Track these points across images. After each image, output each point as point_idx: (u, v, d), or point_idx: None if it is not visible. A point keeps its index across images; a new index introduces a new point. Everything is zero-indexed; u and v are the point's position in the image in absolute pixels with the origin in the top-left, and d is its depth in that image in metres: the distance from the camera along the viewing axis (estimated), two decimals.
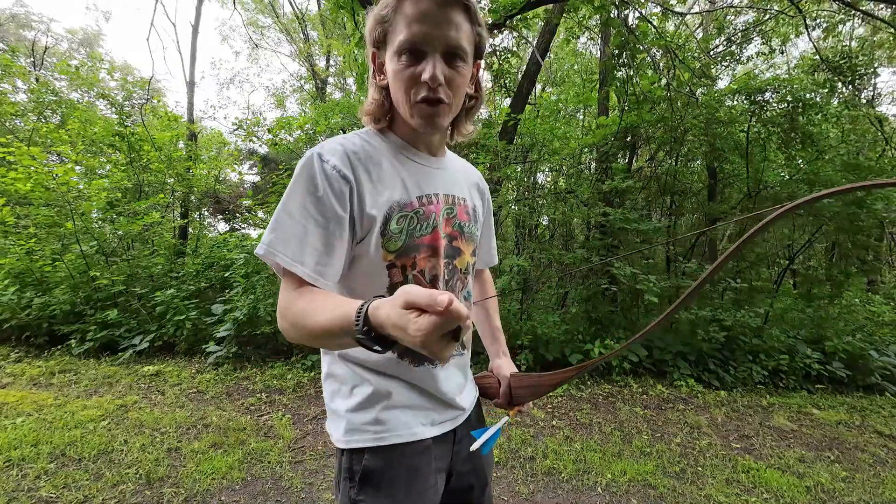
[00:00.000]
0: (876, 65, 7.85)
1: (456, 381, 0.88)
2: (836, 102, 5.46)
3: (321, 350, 0.87)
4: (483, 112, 7.64)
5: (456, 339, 0.46)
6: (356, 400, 0.78)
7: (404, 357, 0.79)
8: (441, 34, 0.68)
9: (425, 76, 0.68)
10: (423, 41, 0.68)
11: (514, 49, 7.10)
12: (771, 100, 5.04)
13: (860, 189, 0.70)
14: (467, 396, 0.92)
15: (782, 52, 6.66)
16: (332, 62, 13.64)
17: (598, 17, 4.34)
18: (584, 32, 5.29)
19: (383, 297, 0.54)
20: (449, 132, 0.86)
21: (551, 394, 3.69)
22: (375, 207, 0.73)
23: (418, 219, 0.77)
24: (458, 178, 0.89)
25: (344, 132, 8.43)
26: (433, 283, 0.79)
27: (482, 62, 0.81)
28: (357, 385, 0.79)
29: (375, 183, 0.74)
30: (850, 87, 5.46)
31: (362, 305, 0.53)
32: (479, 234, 0.94)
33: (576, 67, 9.76)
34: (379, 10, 0.72)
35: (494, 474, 2.45)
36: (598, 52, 7.67)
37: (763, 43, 6.34)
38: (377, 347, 0.52)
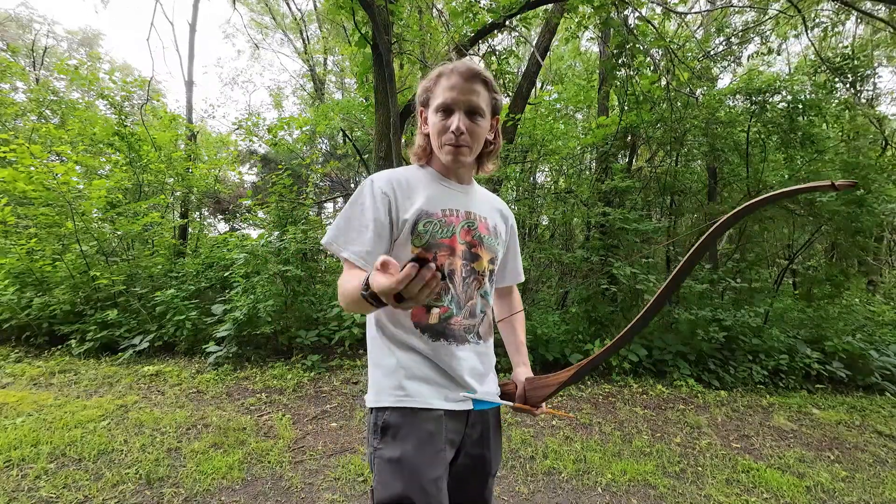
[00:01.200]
0: (875, 64, 7.85)
1: (470, 363, 1.02)
2: (835, 103, 5.45)
3: (367, 330, 1.08)
4: None
5: (398, 301, 0.65)
6: (383, 370, 0.99)
7: (425, 332, 0.98)
8: (465, 99, 0.97)
9: (451, 127, 0.97)
10: (452, 103, 0.97)
11: (514, 49, 7.10)
12: (771, 100, 5.03)
13: (793, 194, 0.80)
14: (486, 385, 1.06)
15: (779, 54, 6.65)
16: (329, 62, 13.63)
17: (598, 17, 4.33)
18: (584, 31, 5.29)
19: None
20: (475, 168, 1.13)
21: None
22: (408, 214, 0.99)
23: (441, 225, 1.01)
24: (482, 202, 1.13)
25: (343, 132, 8.43)
26: (451, 278, 1.01)
27: (499, 117, 1.09)
28: (386, 357, 1.00)
29: (410, 198, 1.01)
30: (852, 87, 5.46)
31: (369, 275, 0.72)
32: (501, 251, 1.15)
33: (577, 66, 9.74)
34: (426, 82, 1.03)
35: None
36: (599, 52, 7.66)
37: (762, 44, 6.35)
38: (373, 302, 0.72)
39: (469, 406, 1.00)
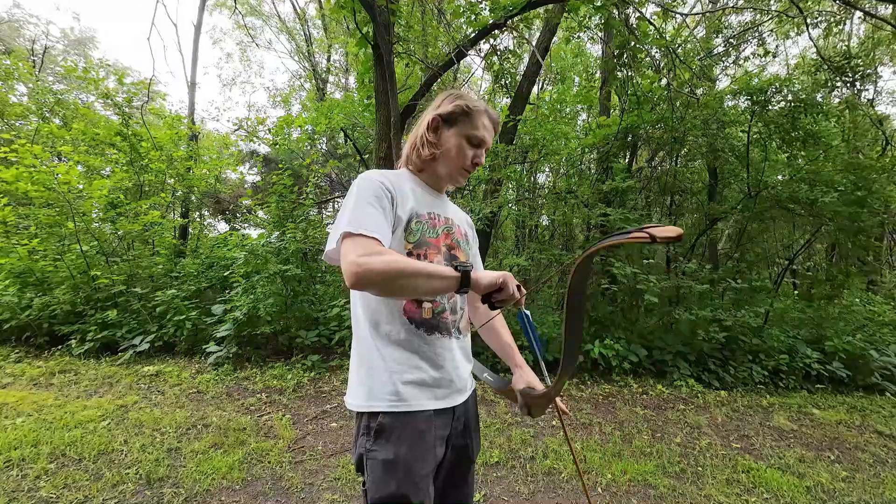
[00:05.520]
0: (877, 64, 7.83)
1: (458, 357, 1.10)
2: (836, 101, 5.45)
3: (353, 332, 1.08)
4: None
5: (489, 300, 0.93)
6: (374, 371, 0.99)
7: (420, 327, 1.02)
8: (490, 139, 1.11)
9: (479, 161, 1.10)
10: (484, 141, 1.09)
11: (515, 49, 7.08)
12: (772, 100, 5.03)
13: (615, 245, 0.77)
14: (467, 381, 1.14)
15: (775, 56, 6.65)
16: (331, 61, 13.63)
17: (598, 16, 4.33)
18: (585, 31, 5.28)
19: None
20: None
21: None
22: (403, 211, 1.02)
23: (428, 226, 1.07)
24: (455, 212, 1.22)
25: (344, 131, 8.42)
26: None
27: None
28: (375, 358, 1.00)
29: (404, 197, 1.04)
30: (852, 86, 5.45)
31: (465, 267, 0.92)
32: (471, 255, 1.23)
33: (578, 63, 9.69)
34: (464, 106, 1.07)
35: (495, 475, 2.45)
36: (602, 52, 7.65)
37: (759, 45, 6.35)
38: (463, 285, 0.89)
39: (454, 403, 1.06)
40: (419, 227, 1.04)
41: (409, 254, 1.01)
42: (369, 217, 0.93)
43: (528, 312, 1.11)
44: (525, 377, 1.21)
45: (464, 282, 0.88)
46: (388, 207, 0.98)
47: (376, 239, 0.90)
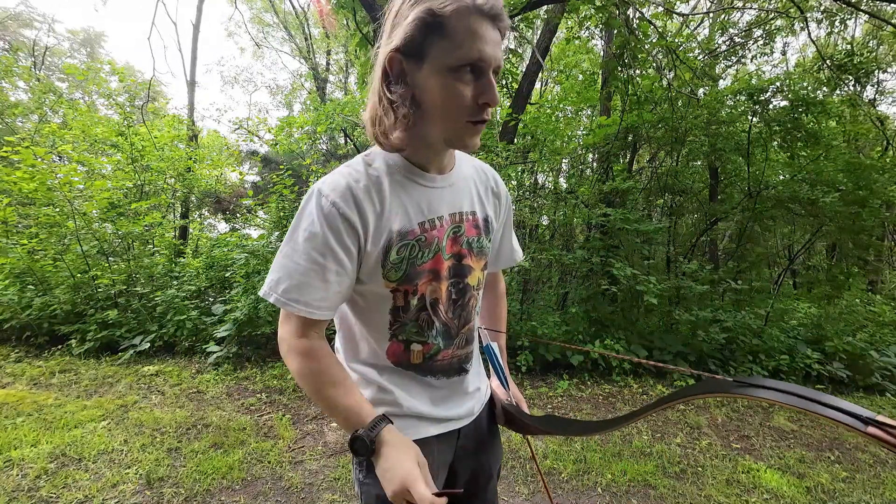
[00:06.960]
0: (880, 63, 7.82)
1: (456, 399, 0.89)
2: (837, 97, 5.45)
3: (337, 351, 0.90)
4: None
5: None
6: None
7: (409, 369, 0.83)
8: (495, 54, 0.64)
9: (486, 99, 0.64)
10: (485, 59, 0.63)
11: (516, 49, 7.09)
12: (773, 99, 5.02)
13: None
14: (475, 404, 0.93)
15: (784, 53, 6.66)
16: (331, 61, 13.65)
17: (599, 16, 4.33)
18: (585, 31, 5.29)
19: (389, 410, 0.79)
20: None
21: (551, 394, 3.70)
22: (377, 243, 0.73)
23: (420, 246, 0.75)
24: (468, 191, 0.84)
25: (344, 132, 8.41)
26: (434, 308, 0.80)
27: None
28: (363, 388, 0.82)
29: (381, 218, 0.73)
30: (856, 84, 5.45)
31: (379, 420, 0.71)
32: (497, 240, 0.95)
33: (585, 59, 9.68)
34: (423, 12, 0.61)
35: None
36: (602, 52, 7.66)
37: (765, 43, 6.33)
38: (361, 455, 0.70)
39: (459, 425, 0.89)
40: (402, 256, 0.74)
41: (395, 291, 0.77)
42: (299, 284, 0.69)
43: (494, 345, 1.01)
44: (505, 389, 1.03)
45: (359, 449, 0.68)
46: (339, 252, 0.70)
47: (305, 318, 0.71)
